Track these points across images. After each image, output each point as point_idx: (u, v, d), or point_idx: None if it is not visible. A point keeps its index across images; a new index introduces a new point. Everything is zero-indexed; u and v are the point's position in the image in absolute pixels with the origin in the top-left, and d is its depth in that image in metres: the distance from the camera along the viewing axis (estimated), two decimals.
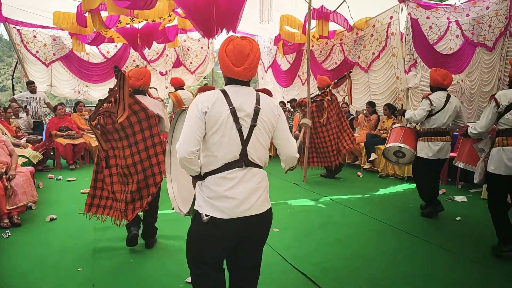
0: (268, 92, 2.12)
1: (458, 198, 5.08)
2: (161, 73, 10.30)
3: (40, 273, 2.97)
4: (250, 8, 6.18)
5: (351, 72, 6.25)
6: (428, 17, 6.57)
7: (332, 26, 7.36)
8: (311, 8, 6.08)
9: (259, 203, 1.93)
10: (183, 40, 10.31)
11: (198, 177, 1.97)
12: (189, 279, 2.68)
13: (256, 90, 2.05)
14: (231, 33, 5.81)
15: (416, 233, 3.79)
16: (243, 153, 1.90)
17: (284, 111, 9.37)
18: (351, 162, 7.45)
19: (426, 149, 4.26)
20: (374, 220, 4.25)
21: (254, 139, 1.92)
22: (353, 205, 4.82)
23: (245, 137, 1.90)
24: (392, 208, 4.73)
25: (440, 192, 5.37)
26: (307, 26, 6.16)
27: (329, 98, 5.94)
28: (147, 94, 3.52)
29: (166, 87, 10.20)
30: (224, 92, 1.91)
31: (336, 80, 6.18)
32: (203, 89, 2.15)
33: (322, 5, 6.79)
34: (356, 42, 7.71)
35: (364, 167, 6.90)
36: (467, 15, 6.71)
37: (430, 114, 4.22)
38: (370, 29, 7.32)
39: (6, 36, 9.55)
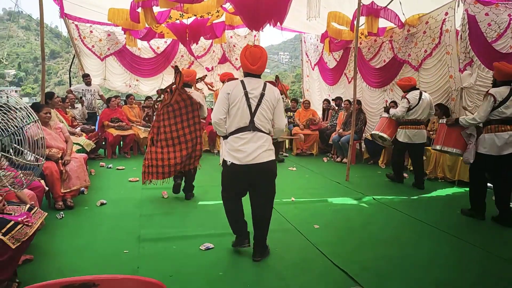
0: (273, 83, 3.23)
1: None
2: (207, 69, 10.50)
3: (89, 253, 3.14)
4: (297, 5, 6.14)
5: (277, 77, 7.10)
6: (487, 14, 6.19)
7: (382, 22, 7.15)
8: (361, 4, 5.93)
9: (261, 156, 2.91)
10: (230, 36, 10.44)
11: (225, 137, 3.04)
12: (202, 246, 3.28)
13: (265, 82, 3.05)
14: (276, 26, 5.80)
15: (466, 238, 3.59)
16: (251, 121, 2.92)
17: (329, 109, 9.25)
18: None
19: (403, 135, 5.60)
20: (420, 222, 4.09)
21: (259, 113, 2.93)
22: (397, 206, 4.66)
23: (253, 111, 2.91)
24: (439, 211, 4.52)
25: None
26: (355, 23, 6.03)
27: None
28: (192, 87, 5.06)
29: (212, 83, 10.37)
30: (242, 81, 2.98)
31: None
32: (230, 79, 3.63)
33: (373, 1, 6.61)
34: (407, 39, 7.43)
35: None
36: None
37: (409, 109, 5.49)
38: (423, 25, 7.02)
39: (65, 33, 10.13)
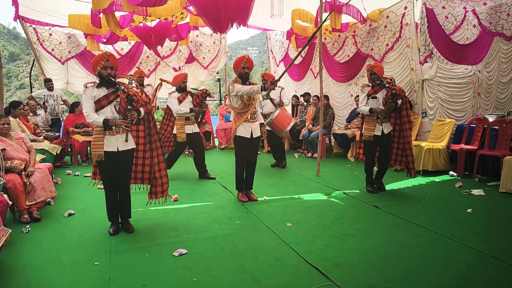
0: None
1: (475, 192, 4.98)
2: (174, 69, 10.35)
3: (58, 267, 3.05)
4: (261, 3, 6.15)
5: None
6: (443, 7, 6.44)
7: (345, 18, 7.27)
8: (323, 0, 6.02)
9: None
10: (196, 35, 10.34)
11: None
12: (175, 252, 3.25)
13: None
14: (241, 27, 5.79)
15: (432, 228, 3.74)
16: None
17: (298, 105, 9.35)
18: None
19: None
20: (389, 214, 4.22)
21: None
22: (367, 199, 4.79)
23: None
24: (406, 202, 4.68)
25: (457, 185, 5.32)
26: (319, 19, 6.11)
27: None
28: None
29: None
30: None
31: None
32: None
33: None
34: (369, 33, 7.60)
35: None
36: (485, 4, 6.55)
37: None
38: (383, 20, 7.20)
39: (23, 35, 9.72)
